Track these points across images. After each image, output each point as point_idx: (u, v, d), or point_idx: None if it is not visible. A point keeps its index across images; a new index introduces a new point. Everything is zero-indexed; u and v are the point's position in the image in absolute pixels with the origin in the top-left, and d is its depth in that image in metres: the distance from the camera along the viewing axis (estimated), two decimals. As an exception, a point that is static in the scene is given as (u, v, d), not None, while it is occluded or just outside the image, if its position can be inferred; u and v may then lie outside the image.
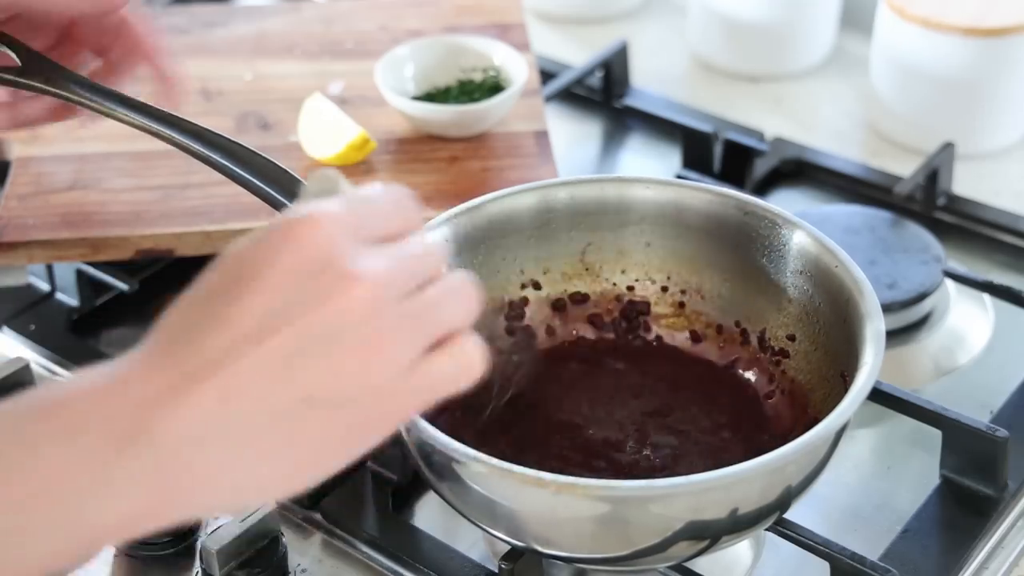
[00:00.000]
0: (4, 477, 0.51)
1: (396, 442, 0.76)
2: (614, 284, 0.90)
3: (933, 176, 1.09)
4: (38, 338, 0.99)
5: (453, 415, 0.79)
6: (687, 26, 1.34)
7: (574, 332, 0.89)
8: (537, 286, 0.89)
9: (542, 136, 1.06)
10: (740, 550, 0.83)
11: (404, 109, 1.05)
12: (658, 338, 0.89)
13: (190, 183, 1.00)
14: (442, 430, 0.70)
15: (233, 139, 0.85)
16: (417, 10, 1.21)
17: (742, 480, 0.68)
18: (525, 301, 0.89)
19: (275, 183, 0.82)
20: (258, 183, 0.83)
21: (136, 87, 0.92)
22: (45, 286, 1.04)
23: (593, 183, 0.88)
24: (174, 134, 0.86)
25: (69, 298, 1.03)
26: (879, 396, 0.87)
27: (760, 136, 1.18)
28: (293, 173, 0.83)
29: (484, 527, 0.74)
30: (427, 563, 0.81)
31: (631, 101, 1.23)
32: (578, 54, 1.30)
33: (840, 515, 0.86)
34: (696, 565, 0.79)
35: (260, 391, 0.52)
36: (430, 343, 0.56)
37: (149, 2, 1.42)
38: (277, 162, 0.83)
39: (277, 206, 0.81)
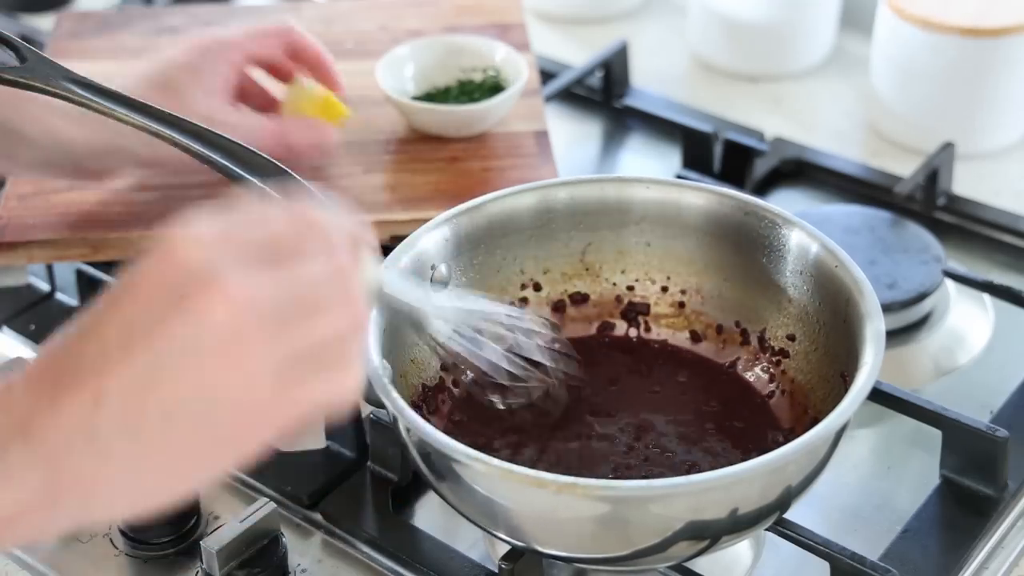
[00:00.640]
0: None
1: (396, 442, 0.76)
2: (614, 284, 0.90)
3: (933, 176, 1.09)
4: (38, 338, 0.99)
5: (453, 416, 0.79)
6: (687, 26, 1.34)
7: (574, 332, 0.89)
8: (537, 286, 0.89)
9: (542, 136, 1.06)
10: (740, 550, 0.83)
11: (404, 109, 1.05)
12: (658, 338, 0.89)
13: (190, 183, 1.00)
14: (442, 430, 0.70)
15: (233, 139, 0.85)
16: (417, 10, 1.21)
17: (742, 480, 0.68)
18: (525, 301, 0.89)
19: (275, 183, 0.82)
20: (258, 183, 0.83)
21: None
22: (45, 286, 1.04)
23: (593, 183, 0.88)
24: (174, 134, 0.86)
25: (69, 298, 1.03)
26: (879, 396, 0.87)
27: (760, 136, 1.18)
28: (293, 173, 0.83)
29: (484, 527, 0.74)
30: (427, 563, 0.81)
31: (631, 101, 1.23)
32: (578, 54, 1.30)
33: (840, 515, 0.86)
34: (696, 565, 0.79)
35: (127, 399, 0.53)
36: (303, 362, 0.54)
37: (149, 2, 1.42)
38: (277, 162, 0.83)
39: (277, 206, 0.81)
